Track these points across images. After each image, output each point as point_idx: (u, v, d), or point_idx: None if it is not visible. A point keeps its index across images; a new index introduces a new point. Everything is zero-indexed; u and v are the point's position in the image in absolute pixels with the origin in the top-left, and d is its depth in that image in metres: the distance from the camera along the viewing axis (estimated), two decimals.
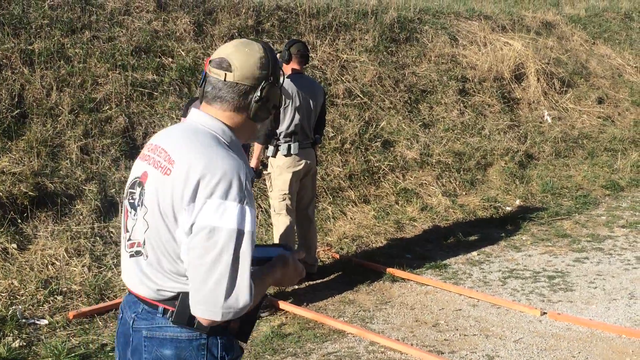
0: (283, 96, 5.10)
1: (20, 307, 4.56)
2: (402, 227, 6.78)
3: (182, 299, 1.85)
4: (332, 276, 5.59)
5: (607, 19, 13.88)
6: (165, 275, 1.86)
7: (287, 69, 5.28)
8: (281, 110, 5.16)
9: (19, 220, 5.25)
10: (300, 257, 2.05)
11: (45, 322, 4.49)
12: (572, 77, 11.07)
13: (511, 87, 10.09)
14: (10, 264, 4.93)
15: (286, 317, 4.77)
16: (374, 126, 8.02)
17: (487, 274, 5.75)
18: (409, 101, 8.76)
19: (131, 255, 1.94)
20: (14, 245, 5.07)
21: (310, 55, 5.82)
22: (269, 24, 8.32)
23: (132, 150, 6.17)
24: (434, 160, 7.97)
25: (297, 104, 5.19)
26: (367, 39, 9.11)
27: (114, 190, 5.79)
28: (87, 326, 4.51)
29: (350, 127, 7.73)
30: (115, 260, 5.22)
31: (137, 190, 1.93)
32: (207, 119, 1.94)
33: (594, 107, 10.64)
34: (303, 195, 5.44)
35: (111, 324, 4.54)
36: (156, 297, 1.89)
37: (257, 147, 5.17)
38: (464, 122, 8.93)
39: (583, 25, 13.05)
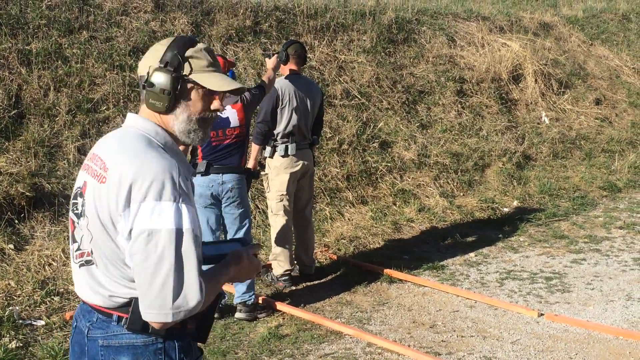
0: (279, 96, 5.12)
1: (17, 308, 4.55)
2: (400, 228, 6.78)
3: (134, 305, 1.83)
4: (329, 277, 5.58)
5: (604, 20, 13.89)
6: (115, 281, 1.85)
7: (285, 69, 5.28)
8: (278, 111, 5.17)
9: (16, 221, 5.25)
10: (256, 252, 2.05)
11: (42, 323, 4.48)
12: (570, 78, 11.08)
13: (509, 88, 10.10)
14: (7, 265, 4.92)
15: (283, 318, 4.76)
16: (372, 127, 8.02)
17: (484, 275, 5.75)
18: (406, 102, 8.76)
19: (81, 265, 1.93)
20: (11, 246, 5.06)
21: (308, 55, 5.82)
22: (266, 24, 8.32)
23: None
24: (432, 161, 7.97)
25: (295, 104, 5.18)
26: (364, 40, 9.11)
27: None
28: None
29: (348, 127, 7.73)
30: None
31: (80, 200, 1.92)
32: (140, 121, 1.94)
33: (592, 108, 10.65)
34: (300, 196, 5.44)
35: None
36: (110, 304, 1.88)
37: (254, 148, 5.17)
38: (461, 123, 8.94)
39: (581, 27, 13.06)
